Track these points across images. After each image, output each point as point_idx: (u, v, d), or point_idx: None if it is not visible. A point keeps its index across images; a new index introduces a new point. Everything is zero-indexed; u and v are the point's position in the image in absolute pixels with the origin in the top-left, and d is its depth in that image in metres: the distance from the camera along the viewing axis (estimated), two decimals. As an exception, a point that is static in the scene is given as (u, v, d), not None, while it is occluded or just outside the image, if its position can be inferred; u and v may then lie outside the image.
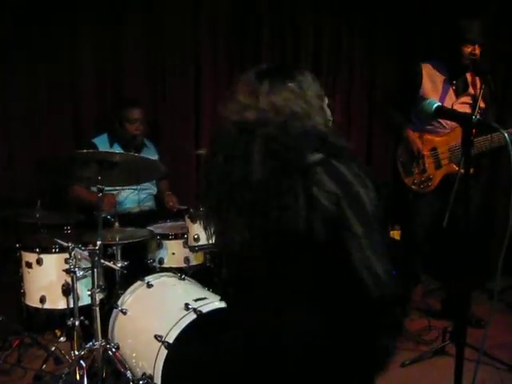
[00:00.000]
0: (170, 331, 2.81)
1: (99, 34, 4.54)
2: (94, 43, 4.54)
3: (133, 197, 4.33)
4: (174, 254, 3.85)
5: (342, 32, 5.32)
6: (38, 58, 4.34)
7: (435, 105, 1.78)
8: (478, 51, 3.84)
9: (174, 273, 3.52)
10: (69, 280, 3.35)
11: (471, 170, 3.76)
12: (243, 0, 4.95)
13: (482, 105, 3.93)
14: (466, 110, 3.89)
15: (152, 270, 3.71)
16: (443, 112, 1.80)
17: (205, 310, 2.88)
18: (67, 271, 3.26)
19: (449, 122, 3.89)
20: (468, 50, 3.83)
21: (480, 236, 4.65)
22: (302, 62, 5.17)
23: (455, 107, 3.92)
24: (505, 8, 5.14)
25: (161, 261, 3.85)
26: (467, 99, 3.98)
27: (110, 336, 3.30)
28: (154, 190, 4.54)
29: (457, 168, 3.74)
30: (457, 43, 3.86)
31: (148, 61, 4.74)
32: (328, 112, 1.67)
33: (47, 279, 3.49)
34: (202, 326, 2.84)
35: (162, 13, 4.71)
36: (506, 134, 1.68)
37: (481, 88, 3.81)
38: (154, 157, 4.44)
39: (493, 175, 5.26)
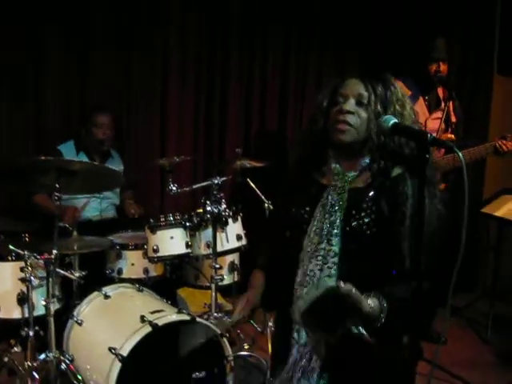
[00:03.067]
0: (124, 344, 2.76)
1: (66, 43, 4.50)
2: (61, 50, 4.49)
3: (94, 205, 4.27)
4: (133, 264, 3.77)
5: (311, 46, 5.31)
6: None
7: (392, 121, 1.76)
8: (443, 67, 3.94)
9: (133, 284, 3.48)
10: (24, 289, 3.25)
11: (443, 186, 3.86)
12: (213, 18, 4.93)
13: (454, 119, 3.99)
14: (438, 125, 3.96)
15: (111, 281, 3.66)
16: (399, 129, 1.78)
17: (161, 322, 2.84)
18: (23, 280, 3.18)
19: None
20: (433, 67, 3.92)
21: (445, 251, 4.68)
22: (268, 75, 5.16)
23: (428, 123, 4.01)
24: (471, 25, 5.25)
25: (120, 271, 3.77)
26: (439, 114, 4.04)
27: (64, 347, 3.23)
28: (116, 199, 4.49)
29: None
30: (423, 61, 3.95)
31: (115, 70, 4.68)
32: None
33: (2, 288, 3.38)
34: (155, 339, 2.81)
35: (132, 25, 4.66)
36: (460, 155, 1.67)
37: (446, 103, 3.89)
38: (119, 167, 4.41)
39: (459, 192, 5.30)
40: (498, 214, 4.34)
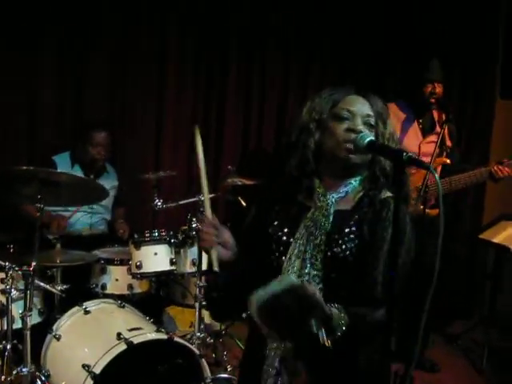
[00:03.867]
0: (98, 361, 2.73)
1: (62, 51, 4.46)
2: (56, 59, 4.45)
3: (84, 220, 4.23)
4: (117, 280, 3.71)
5: (310, 64, 5.26)
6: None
7: (367, 139, 1.69)
8: (438, 89, 3.88)
9: (115, 300, 3.41)
10: (4, 301, 3.19)
11: (436, 212, 3.78)
12: (211, 35, 4.90)
13: (449, 143, 3.92)
14: (432, 149, 3.84)
15: (95, 296, 3.61)
16: (376, 147, 1.71)
17: (136, 341, 2.79)
18: (2, 292, 3.11)
19: None
20: (428, 89, 3.86)
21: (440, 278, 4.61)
22: (267, 91, 5.12)
23: (422, 146, 3.94)
24: (473, 48, 5.22)
25: (103, 286, 3.71)
26: (434, 138, 3.96)
27: (42, 362, 3.18)
28: (107, 215, 4.44)
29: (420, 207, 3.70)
30: (418, 83, 3.89)
31: (110, 85, 4.65)
32: None
33: (-19, 299, 3.34)
34: (131, 357, 2.75)
35: (128, 37, 4.63)
36: (437, 176, 1.61)
37: (443, 126, 3.81)
38: (114, 182, 4.38)
39: (456, 215, 5.23)
40: (496, 240, 4.25)
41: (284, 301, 1.50)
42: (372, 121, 1.78)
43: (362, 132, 1.72)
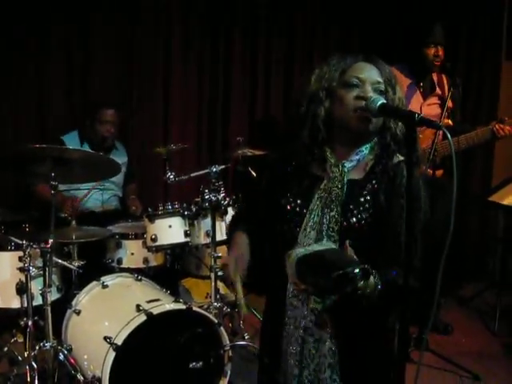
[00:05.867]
0: (119, 333, 2.77)
1: (69, 31, 4.48)
2: (64, 40, 4.48)
3: (96, 196, 4.25)
4: (133, 254, 3.76)
5: (315, 33, 5.27)
6: (4, 54, 4.28)
7: (379, 102, 1.70)
8: (441, 52, 3.87)
9: (131, 273, 3.46)
10: (23, 278, 3.24)
11: (440, 173, 3.80)
12: (216, 8, 4.90)
13: (450, 105, 3.93)
14: (434, 110, 3.92)
15: (111, 270, 3.65)
16: (387, 110, 1.72)
17: (156, 311, 2.83)
18: (21, 269, 3.16)
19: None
20: (431, 51, 3.86)
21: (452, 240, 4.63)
22: (273, 61, 5.13)
23: (423, 109, 3.94)
24: (478, 11, 5.21)
25: (119, 261, 3.75)
26: (435, 100, 4.02)
27: (63, 337, 3.24)
28: (118, 191, 4.48)
29: (429, 171, 3.71)
30: (419, 46, 3.88)
31: (117, 60, 4.67)
32: None
33: (1, 278, 3.36)
34: (151, 328, 2.80)
35: (133, 14, 4.64)
36: (448, 134, 1.61)
37: (449, 89, 3.82)
38: (123, 159, 4.39)
39: (465, 178, 5.24)
40: (505, 202, 4.24)
41: (327, 256, 1.55)
42: (382, 87, 1.78)
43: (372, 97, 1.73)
